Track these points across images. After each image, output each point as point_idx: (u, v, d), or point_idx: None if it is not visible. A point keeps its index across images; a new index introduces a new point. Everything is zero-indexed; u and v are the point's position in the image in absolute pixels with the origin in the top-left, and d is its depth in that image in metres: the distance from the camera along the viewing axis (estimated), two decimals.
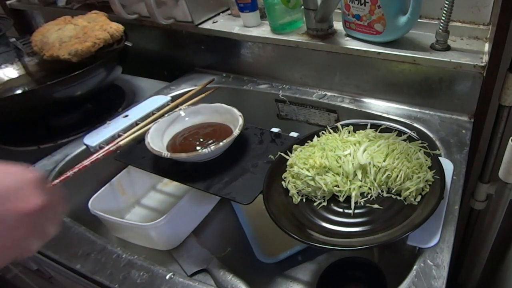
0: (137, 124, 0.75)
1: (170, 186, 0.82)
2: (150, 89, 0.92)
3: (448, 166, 0.59)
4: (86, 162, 0.64)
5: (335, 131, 0.63)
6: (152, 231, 0.65)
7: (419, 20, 0.71)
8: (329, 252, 0.67)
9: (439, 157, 0.57)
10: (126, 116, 0.76)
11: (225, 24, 0.89)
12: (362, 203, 0.53)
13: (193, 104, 0.75)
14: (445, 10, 0.64)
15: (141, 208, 0.77)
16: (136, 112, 0.77)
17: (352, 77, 0.78)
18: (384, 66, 0.73)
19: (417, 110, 0.74)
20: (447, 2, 0.63)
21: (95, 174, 0.73)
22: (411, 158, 0.54)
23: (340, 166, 0.55)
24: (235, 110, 0.68)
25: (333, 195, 0.55)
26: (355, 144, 0.57)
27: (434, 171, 0.53)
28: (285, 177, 0.58)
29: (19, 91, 0.84)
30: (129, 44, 0.82)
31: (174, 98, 0.83)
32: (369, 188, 0.54)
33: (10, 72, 0.89)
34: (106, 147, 0.68)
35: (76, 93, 0.74)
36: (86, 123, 0.78)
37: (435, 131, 0.68)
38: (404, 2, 0.66)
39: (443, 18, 0.65)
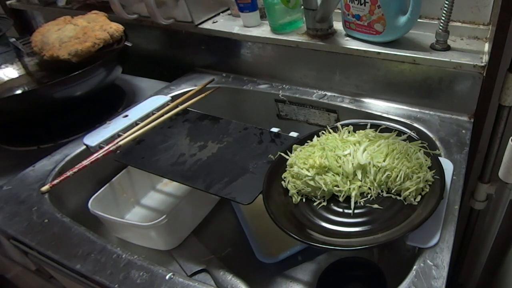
0: (137, 124, 0.75)
1: (170, 186, 0.82)
2: (150, 89, 0.92)
3: (448, 166, 0.59)
4: (86, 162, 0.64)
5: (335, 131, 0.63)
6: (152, 231, 0.65)
7: (419, 20, 0.71)
8: (329, 252, 0.67)
9: (439, 157, 0.57)
10: (126, 116, 0.76)
11: (225, 24, 0.89)
12: (362, 203, 0.53)
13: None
14: (445, 10, 0.64)
15: (141, 208, 0.78)
16: (136, 112, 0.77)
17: (352, 77, 0.78)
18: (384, 66, 0.73)
19: (417, 110, 0.74)
20: (447, 2, 0.63)
21: (95, 174, 0.73)
22: (411, 158, 0.54)
23: (340, 166, 0.55)
24: None
25: (333, 195, 0.55)
26: (355, 144, 0.57)
27: (434, 171, 0.53)
28: (285, 177, 0.58)
29: (19, 91, 0.84)
30: (129, 44, 0.82)
31: (174, 98, 0.83)
32: (369, 188, 0.54)
33: (10, 72, 0.89)
34: (106, 147, 0.68)
35: (76, 93, 0.74)
36: (86, 123, 0.78)
37: (435, 131, 0.68)
38: (404, 2, 0.66)
39: (443, 18, 0.65)
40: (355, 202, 0.53)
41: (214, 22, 0.90)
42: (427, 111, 0.73)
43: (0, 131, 0.82)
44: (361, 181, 0.54)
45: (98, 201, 0.67)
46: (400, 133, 0.61)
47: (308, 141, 0.62)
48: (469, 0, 0.70)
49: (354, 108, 0.77)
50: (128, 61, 0.86)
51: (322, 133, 0.63)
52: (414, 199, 0.51)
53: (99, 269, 0.51)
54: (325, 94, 0.81)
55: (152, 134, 0.73)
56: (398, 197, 0.52)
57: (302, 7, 0.77)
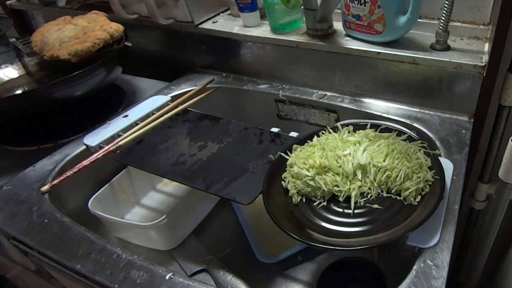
0: (137, 124, 0.75)
1: (170, 186, 0.82)
2: (150, 89, 0.92)
3: (448, 166, 0.59)
4: (86, 162, 0.64)
5: (335, 131, 0.63)
6: (152, 231, 0.65)
7: (419, 20, 0.71)
8: (329, 252, 0.67)
9: (439, 157, 0.57)
10: (126, 116, 0.76)
11: (225, 24, 0.89)
12: (362, 203, 0.53)
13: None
14: (445, 10, 0.64)
15: (141, 208, 0.77)
16: (136, 112, 0.77)
17: (352, 77, 0.78)
18: (384, 66, 0.73)
19: (417, 110, 0.74)
20: (447, 2, 0.63)
21: (95, 174, 0.73)
22: (411, 158, 0.54)
23: (340, 166, 0.55)
24: None
25: (333, 195, 0.55)
26: (355, 144, 0.57)
27: (434, 171, 0.53)
28: (285, 177, 0.58)
29: (19, 91, 0.84)
30: (129, 44, 0.82)
31: (174, 98, 0.83)
32: (369, 188, 0.54)
33: (10, 72, 0.89)
34: (106, 147, 0.68)
35: (76, 93, 0.74)
36: (86, 123, 0.78)
37: (435, 131, 0.68)
38: (404, 2, 0.66)
39: (443, 18, 0.65)
40: (355, 202, 0.53)
41: (214, 22, 0.90)
42: (427, 111, 0.73)
43: (0, 131, 0.82)
44: (361, 181, 0.54)
45: (98, 201, 0.67)
46: (400, 133, 0.61)
47: (308, 141, 0.62)
48: (469, 0, 0.70)
49: (354, 108, 0.77)
50: (128, 61, 0.86)
51: (322, 133, 0.63)
52: (414, 199, 0.51)
53: (99, 269, 0.51)
54: (325, 94, 0.81)
55: (152, 134, 0.73)
56: (398, 197, 0.52)
57: (302, 7, 0.77)
